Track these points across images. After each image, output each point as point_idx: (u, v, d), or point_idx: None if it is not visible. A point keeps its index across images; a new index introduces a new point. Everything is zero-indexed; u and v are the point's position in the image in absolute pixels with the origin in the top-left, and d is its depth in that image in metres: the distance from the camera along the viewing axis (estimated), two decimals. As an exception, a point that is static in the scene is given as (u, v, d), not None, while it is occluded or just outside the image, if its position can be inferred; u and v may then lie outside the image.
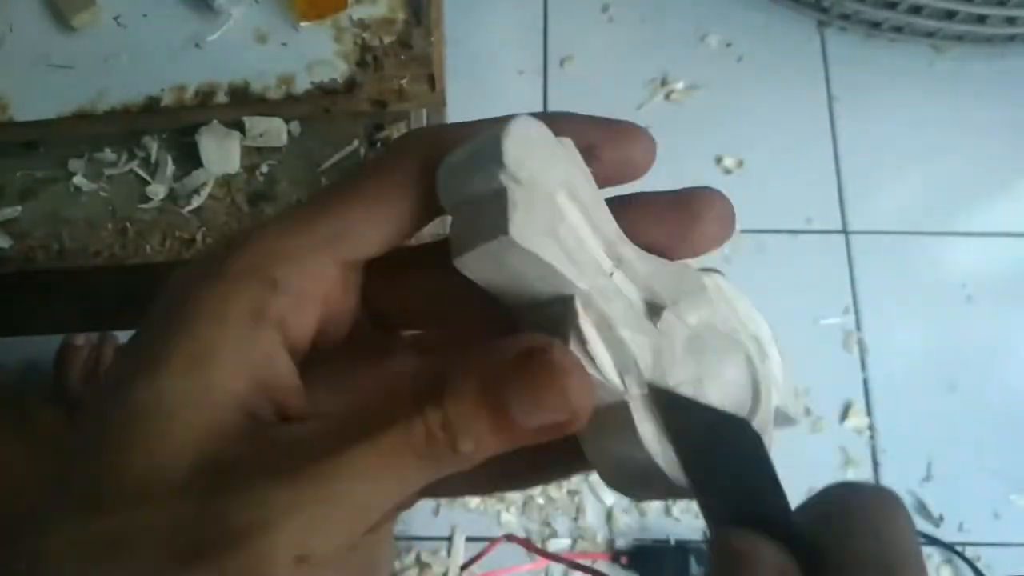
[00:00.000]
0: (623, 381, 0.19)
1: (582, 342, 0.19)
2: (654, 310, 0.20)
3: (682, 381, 0.19)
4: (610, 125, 0.20)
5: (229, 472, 0.17)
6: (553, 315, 0.19)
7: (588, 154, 0.20)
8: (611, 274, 0.20)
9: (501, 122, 0.19)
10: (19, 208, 0.51)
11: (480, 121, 0.20)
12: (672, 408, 0.19)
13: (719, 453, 0.19)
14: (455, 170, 0.19)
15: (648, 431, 0.19)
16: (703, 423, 0.19)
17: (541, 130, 0.19)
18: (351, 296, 0.20)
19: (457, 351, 0.20)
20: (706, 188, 0.21)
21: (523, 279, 0.19)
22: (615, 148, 0.20)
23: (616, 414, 0.19)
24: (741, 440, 0.18)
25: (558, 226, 0.19)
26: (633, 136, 0.20)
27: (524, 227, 0.18)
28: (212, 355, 0.17)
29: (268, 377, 0.18)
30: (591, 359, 0.19)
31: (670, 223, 0.20)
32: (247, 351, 0.17)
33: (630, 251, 0.20)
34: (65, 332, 1.03)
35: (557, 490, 1.07)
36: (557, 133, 0.19)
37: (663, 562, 1.03)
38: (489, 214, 0.18)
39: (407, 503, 0.21)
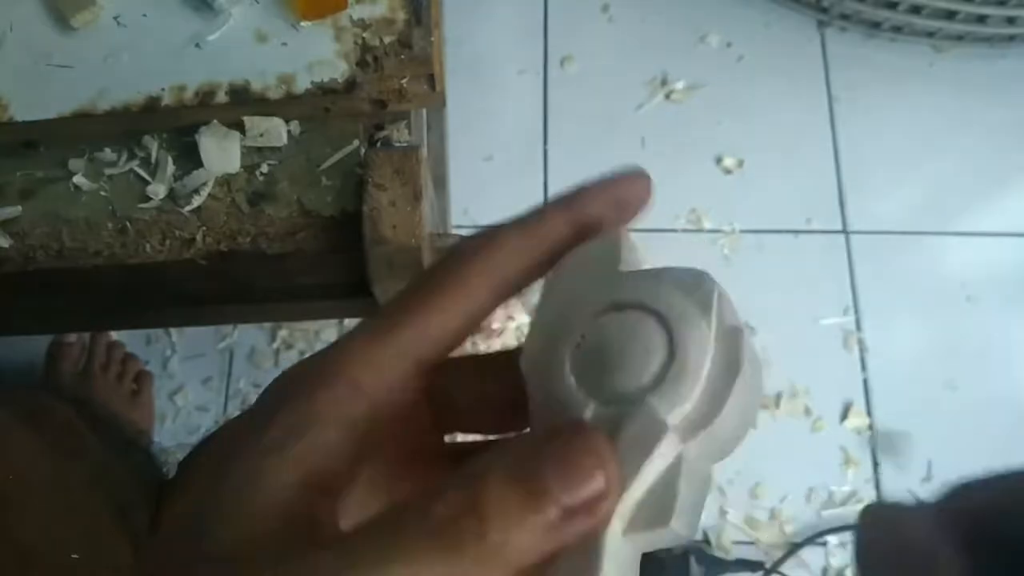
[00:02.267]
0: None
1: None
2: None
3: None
4: (615, 188, 0.22)
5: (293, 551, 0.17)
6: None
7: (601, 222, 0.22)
8: None
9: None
10: (19, 208, 0.50)
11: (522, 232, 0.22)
12: None
13: None
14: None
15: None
16: None
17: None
18: (417, 395, 0.21)
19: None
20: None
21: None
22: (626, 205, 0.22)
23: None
24: None
25: None
26: (634, 183, 0.22)
27: None
28: (285, 446, 0.18)
29: (331, 475, 0.19)
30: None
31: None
32: (317, 448, 0.19)
33: None
34: (65, 332, 1.03)
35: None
36: (581, 216, 0.22)
37: (663, 562, 1.03)
38: None
39: None
